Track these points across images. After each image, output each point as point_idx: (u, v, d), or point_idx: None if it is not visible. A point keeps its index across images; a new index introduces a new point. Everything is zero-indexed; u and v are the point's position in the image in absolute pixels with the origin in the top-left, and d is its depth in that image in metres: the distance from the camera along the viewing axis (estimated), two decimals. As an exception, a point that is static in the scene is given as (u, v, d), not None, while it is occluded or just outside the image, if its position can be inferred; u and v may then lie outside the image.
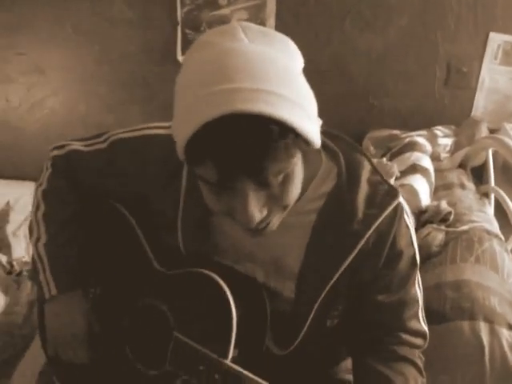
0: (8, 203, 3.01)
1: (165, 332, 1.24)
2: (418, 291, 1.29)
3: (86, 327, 1.41)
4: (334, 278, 1.18)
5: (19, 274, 2.47)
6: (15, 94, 3.41)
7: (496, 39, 2.88)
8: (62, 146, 1.39)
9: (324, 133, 1.16)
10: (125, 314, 1.38)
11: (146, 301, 1.32)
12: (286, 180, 0.98)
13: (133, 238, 1.37)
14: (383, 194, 1.19)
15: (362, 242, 1.16)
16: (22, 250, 2.72)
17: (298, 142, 0.93)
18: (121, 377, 1.36)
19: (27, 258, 2.62)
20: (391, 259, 1.21)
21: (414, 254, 1.26)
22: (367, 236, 1.16)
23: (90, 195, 1.41)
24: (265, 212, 0.99)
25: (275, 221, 1.05)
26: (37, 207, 1.40)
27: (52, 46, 3.24)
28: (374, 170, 1.22)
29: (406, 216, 1.23)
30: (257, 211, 0.96)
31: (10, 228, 2.86)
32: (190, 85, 0.93)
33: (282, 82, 0.91)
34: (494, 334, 1.57)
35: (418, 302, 1.29)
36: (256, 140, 0.87)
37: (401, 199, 1.21)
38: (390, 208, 1.18)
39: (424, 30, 2.92)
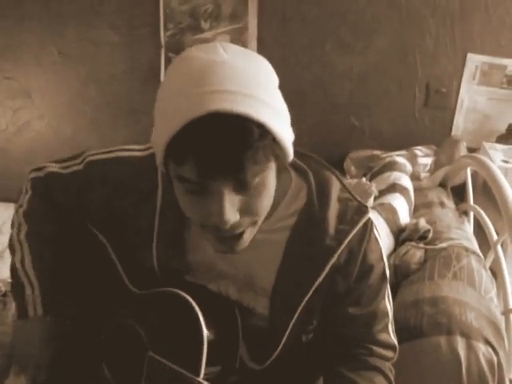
0: (-5, 225, 3.02)
1: (139, 351, 1.25)
2: (388, 305, 1.32)
3: (51, 353, 1.40)
4: (309, 294, 1.21)
5: (5, 294, 2.47)
6: (2, 117, 3.44)
7: (474, 60, 2.94)
8: (40, 169, 1.41)
9: (293, 152, 1.21)
10: (100, 334, 1.39)
11: (121, 321, 1.33)
12: (261, 185, 1.01)
13: (107, 259, 1.38)
14: (353, 211, 1.22)
15: (334, 258, 1.19)
16: (8, 271, 2.72)
17: (274, 148, 0.98)
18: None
19: (13, 279, 2.62)
20: (362, 274, 1.24)
21: (384, 268, 1.29)
22: (339, 252, 1.19)
23: (68, 216, 1.42)
24: (238, 216, 1.01)
25: (247, 235, 1.08)
26: (18, 228, 1.42)
27: (38, 70, 3.28)
28: (344, 188, 1.25)
29: (375, 231, 1.26)
30: (231, 213, 0.98)
31: (-5, 249, 2.87)
32: (173, 90, 0.97)
33: (262, 89, 0.97)
34: (470, 348, 1.58)
35: (387, 315, 1.32)
36: (237, 139, 0.91)
37: (370, 215, 1.24)
38: (360, 224, 1.21)
39: (403, 51, 2.99)
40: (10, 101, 3.38)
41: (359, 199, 1.26)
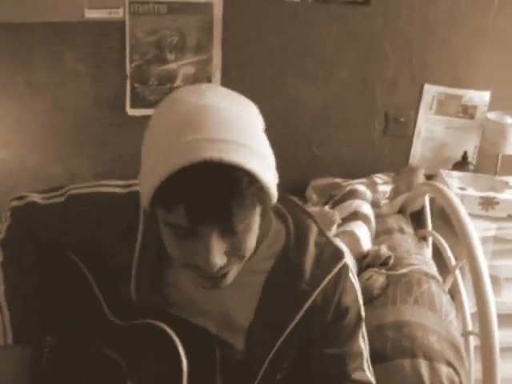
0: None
1: (119, 381, 1.25)
2: (362, 344, 1.33)
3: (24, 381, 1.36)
4: (284, 335, 1.22)
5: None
6: (-36, 147, 3.42)
7: (430, 90, 3.05)
8: (22, 198, 1.41)
9: None
10: (80, 364, 1.36)
11: (101, 351, 1.32)
12: (247, 229, 1.03)
13: (87, 288, 1.38)
14: (329, 256, 1.25)
15: (310, 302, 1.21)
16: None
17: (261, 194, 1.01)
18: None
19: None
20: (338, 315, 1.26)
21: (359, 309, 1.31)
22: (314, 295, 1.22)
23: (47, 246, 1.41)
24: (225, 259, 1.03)
25: (231, 273, 1.10)
26: None
27: (3, 99, 3.26)
28: (321, 232, 1.28)
29: (350, 275, 1.29)
30: (218, 257, 1.00)
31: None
32: (162, 135, 0.99)
33: (249, 136, 0.99)
34: (433, 370, 1.64)
35: (362, 354, 1.33)
36: (226, 187, 0.94)
37: (346, 260, 1.27)
38: (336, 269, 1.24)
39: (363, 81, 3.08)
40: (-28, 129, 3.36)
41: (336, 243, 1.29)
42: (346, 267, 1.27)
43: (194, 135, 0.94)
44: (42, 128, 3.27)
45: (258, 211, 1.05)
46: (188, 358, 1.19)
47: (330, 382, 1.31)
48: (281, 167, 2.91)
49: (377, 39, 3.01)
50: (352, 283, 1.29)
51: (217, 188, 0.93)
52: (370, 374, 1.35)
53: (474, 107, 3.06)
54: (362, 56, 3.04)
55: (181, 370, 1.18)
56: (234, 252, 1.05)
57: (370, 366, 1.37)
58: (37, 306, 1.40)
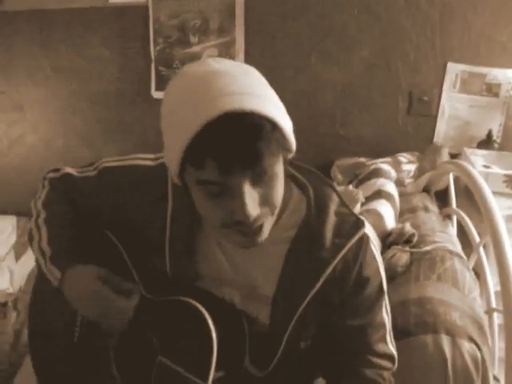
0: (-10, 236, 3.06)
1: (150, 356, 1.30)
2: (386, 316, 1.35)
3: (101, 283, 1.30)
4: (305, 303, 1.26)
5: (4, 304, 2.52)
6: (-4, 131, 3.48)
7: (454, 69, 3.02)
8: (57, 170, 1.47)
9: (295, 166, 1.28)
10: (113, 338, 1.40)
11: (133, 325, 1.35)
12: (274, 176, 1.08)
13: (121, 264, 1.41)
14: (350, 225, 1.27)
15: (330, 269, 1.24)
16: (6, 282, 2.76)
17: (282, 139, 1.07)
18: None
19: (11, 290, 2.67)
20: (357, 285, 1.28)
21: (381, 281, 1.32)
22: (334, 263, 1.24)
23: (83, 215, 1.45)
24: (258, 209, 1.08)
25: (266, 227, 1.14)
26: (37, 215, 1.44)
27: (31, 84, 3.32)
28: (342, 203, 1.31)
29: (372, 246, 1.31)
30: (252, 207, 1.05)
31: (-7, 260, 2.92)
32: (177, 103, 1.04)
33: (260, 89, 1.05)
34: (455, 346, 1.64)
35: (384, 326, 1.35)
36: (252, 134, 0.99)
37: (366, 230, 1.29)
38: (356, 238, 1.26)
39: (385, 61, 3.06)
40: (3, 115, 3.43)
41: (357, 214, 1.31)
42: (366, 237, 1.29)
43: (210, 94, 0.99)
44: (68, 112, 3.34)
45: (281, 159, 1.10)
46: (218, 333, 1.22)
47: (352, 352, 1.34)
48: (305, 147, 2.94)
49: (398, 18, 2.99)
50: (373, 254, 1.31)
51: (242, 136, 0.99)
52: (392, 347, 1.38)
53: (498, 85, 3.02)
54: (384, 36, 3.03)
55: (211, 344, 1.21)
56: (265, 201, 1.09)
57: (393, 339, 1.39)
58: (78, 246, 1.41)
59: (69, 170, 1.46)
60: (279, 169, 1.10)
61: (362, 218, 1.31)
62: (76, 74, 3.27)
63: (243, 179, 1.03)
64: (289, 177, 1.28)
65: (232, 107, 0.97)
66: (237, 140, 0.99)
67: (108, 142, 3.31)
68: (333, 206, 1.28)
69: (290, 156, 1.17)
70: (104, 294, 1.28)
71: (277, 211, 1.15)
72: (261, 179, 1.06)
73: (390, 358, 1.38)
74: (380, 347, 1.34)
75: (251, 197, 1.05)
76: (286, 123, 1.07)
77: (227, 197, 1.06)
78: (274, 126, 1.02)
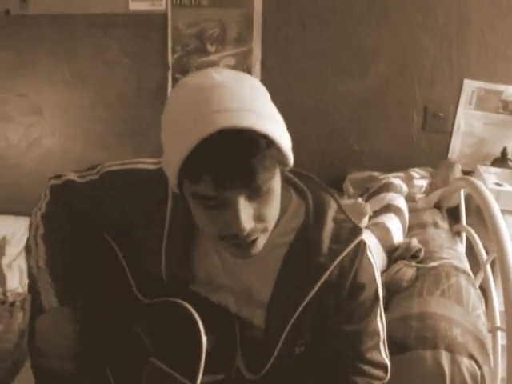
0: (4, 237, 3.10)
1: (142, 356, 1.31)
2: (380, 324, 1.35)
3: (76, 340, 1.45)
4: (301, 308, 1.26)
5: (12, 304, 2.55)
6: (14, 133, 3.56)
7: (470, 85, 3.02)
8: (59, 176, 1.50)
9: (294, 172, 1.30)
10: (106, 337, 1.45)
11: (126, 327, 1.40)
12: (270, 192, 1.09)
13: (118, 266, 1.46)
14: (347, 232, 1.28)
15: (326, 275, 1.25)
16: (16, 281, 2.79)
17: (278, 155, 1.07)
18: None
19: (20, 290, 2.70)
20: (353, 291, 1.29)
21: (377, 288, 1.33)
22: (331, 269, 1.25)
23: (82, 222, 1.49)
24: (252, 223, 1.09)
25: (260, 240, 1.15)
26: (36, 229, 1.49)
27: (50, 88, 3.37)
28: (340, 209, 1.32)
29: (368, 252, 1.31)
30: (247, 220, 1.06)
31: (5, 261, 2.96)
32: (177, 114, 1.05)
33: (259, 104, 1.06)
34: (454, 362, 1.62)
35: (378, 334, 1.35)
36: (246, 150, 1.00)
37: (364, 237, 1.30)
38: (353, 244, 1.27)
39: (402, 75, 3.08)
40: (22, 117, 3.48)
41: (354, 221, 1.32)
42: (363, 244, 1.30)
43: (206, 109, 1.01)
44: (86, 117, 3.38)
45: (278, 174, 1.11)
46: (209, 337, 1.23)
47: (343, 359, 1.34)
48: (319, 160, 2.96)
49: (416, 33, 3.00)
50: (369, 261, 1.31)
51: (237, 152, 1.00)
52: (385, 357, 1.37)
53: (514, 103, 3.03)
54: (400, 50, 3.04)
55: (200, 348, 1.22)
56: (260, 216, 1.11)
57: (387, 348, 1.39)
58: (73, 275, 1.50)
59: (71, 175, 1.49)
60: (275, 184, 1.11)
61: (359, 224, 1.32)
62: (94, 79, 3.32)
63: (238, 194, 1.05)
64: (288, 183, 1.29)
65: (227, 124, 0.98)
66: (231, 156, 1.00)
67: (125, 146, 3.34)
68: (331, 213, 1.29)
69: (287, 169, 1.18)
70: (70, 350, 1.43)
71: (272, 226, 1.17)
72: (256, 194, 1.07)
73: (383, 367, 1.37)
74: (373, 355, 1.34)
75: (246, 211, 1.06)
76: (283, 139, 1.07)
77: (222, 210, 1.07)
78: (270, 142, 1.03)
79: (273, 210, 1.13)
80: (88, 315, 1.51)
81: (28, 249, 1.52)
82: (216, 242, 1.17)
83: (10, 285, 2.75)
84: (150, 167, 1.38)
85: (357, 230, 1.29)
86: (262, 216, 1.11)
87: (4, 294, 2.65)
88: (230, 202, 1.06)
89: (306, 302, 1.26)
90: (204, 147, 0.99)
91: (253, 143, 1.00)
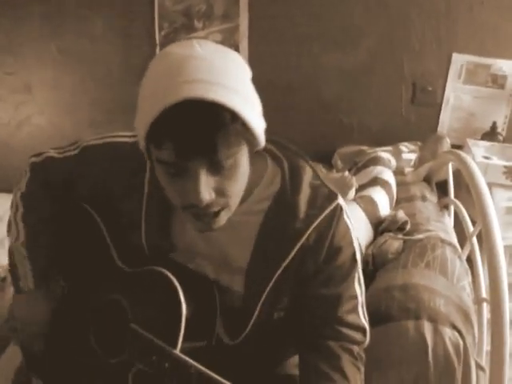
0: (-5, 214, 3.11)
1: (123, 323, 1.33)
2: (358, 288, 1.36)
3: (48, 318, 1.53)
4: (278, 272, 1.28)
5: (3, 279, 2.56)
6: (4, 112, 3.54)
7: (459, 59, 3.03)
8: (39, 154, 1.52)
9: (271, 141, 1.29)
10: (89, 306, 1.47)
11: (108, 295, 1.42)
12: (233, 168, 1.10)
13: (99, 238, 1.48)
14: (323, 197, 1.30)
15: (303, 239, 1.26)
16: (7, 257, 2.80)
17: (245, 132, 1.07)
18: (85, 364, 1.45)
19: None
20: (331, 255, 1.30)
21: (354, 251, 1.34)
22: (308, 233, 1.26)
23: (63, 197, 1.51)
24: (213, 195, 1.10)
25: (223, 215, 1.17)
26: (16, 209, 1.52)
27: (38, 66, 3.36)
28: (316, 176, 1.33)
29: (345, 217, 1.32)
30: (206, 191, 1.07)
31: (-4, 237, 2.97)
32: (152, 81, 1.07)
33: (233, 80, 1.06)
34: (437, 332, 1.63)
35: (356, 297, 1.35)
36: (210, 123, 1.01)
37: (340, 201, 1.31)
38: (329, 209, 1.28)
39: (390, 50, 3.07)
40: (11, 96, 3.47)
41: (330, 186, 1.33)
42: (339, 208, 1.31)
43: (177, 79, 1.01)
44: (74, 94, 3.38)
45: (244, 151, 1.12)
46: (189, 303, 1.25)
47: (322, 323, 1.35)
48: (308, 134, 2.95)
49: (404, 8, 2.99)
50: (346, 225, 1.33)
51: (200, 123, 1.00)
52: (363, 319, 1.38)
53: (504, 77, 3.02)
54: (389, 25, 3.04)
55: (180, 313, 1.24)
56: (222, 191, 1.12)
57: (366, 312, 1.40)
58: (54, 254, 1.54)
59: (51, 152, 1.50)
60: (240, 161, 1.11)
61: (334, 189, 1.33)
62: (82, 57, 3.30)
63: (199, 165, 1.06)
64: (264, 150, 1.29)
65: (194, 94, 0.99)
66: (194, 127, 1.01)
67: (113, 122, 3.31)
68: (307, 179, 1.30)
69: (258, 149, 1.19)
70: (41, 328, 1.54)
71: (236, 203, 1.18)
72: (218, 169, 1.08)
73: (361, 329, 1.38)
74: (350, 318, 1.35)
75: (206, 183, 1.07)
76: (253, 119, 1.08)
77: (183, 179, 1.08)
78: (236, 118, 1.03)
79: (236, 186, 1.14)
80: (69, 289, 1.55)
81: (9, 228, 1.55)
82: (181, 214, 1.19)
83: (2, 260, 2.75)
84: (128, 140, 1.39)
85: (332, 195, 1.31)
86: (224, 191, 1.12)
87: (-4, 269, 2.66)
88: (190, 172, 1.07)
89: (283, 266, 1.28)
90: (168, 114, 0.99)
91: (217, 116, 1.01)
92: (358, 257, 1.36)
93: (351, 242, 1.34)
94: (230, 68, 1.08)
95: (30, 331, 1.53)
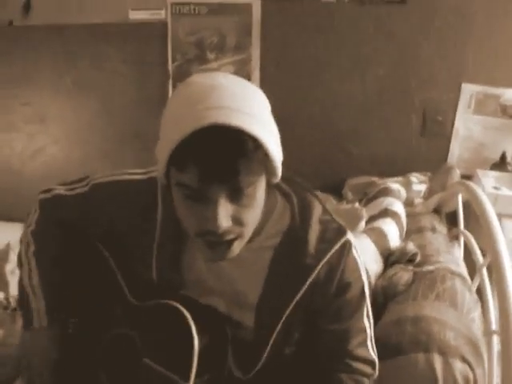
0: (8, 244, 3.12)
1: (135, 358, 1.34)
2: (367, 321, 1.38)
3: (57, 356, 1.49)
4: (290, 308, 1.30)
5: (15, 309, 2.57)
6: (18, 142, 3.60)
7: (469, 89, 3.04)
8: (48, 191, 1.52)
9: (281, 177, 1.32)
10: (99, 343, 1.47)
11: (119, 329, 1.43)
12: (252, 196, 1.12)
13: (110, 274, 1.48)
14: (333, 232, 1.31)
15: (314, 275, 1.28)
16: (18, 287, 2.82)
17: (266, 162, 1.10)
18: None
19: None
20: (340, 289, 1.32)
21: (363, 286, 1.36)
22: (318, 269, 1.28)
23: (73, 234, 1.51)
24: (230, 222, 1.11)
25: (236, 244, 1.17)
26: (27, 246, 1.51)
27: (53, 97, 3.41)
28: (325, 210, 1.35)
29: (354, 251, 1.34)
30: (224, 218, 1.08)
31: (8, 267, 2.97)
32: (176, 108, 1.09)
33: (257, 109, 1.09)
34: (447, 365, 1.62)
35: (365, 331, 1.38)
36: (234, 149, 1.03)
37: (349, 236, 1.33)
38: (339, 244, 1.30)
39: (400, 80, 3.10)
40: (25, 126, 3.51)
41: (339, 221, 1.35)
42: (348, 243, 1.32)
43: (203, 105, 1.04)
44: (88, 125, 3.42)
45: (263, 181, 1.14)
46: (201, 338, 1.27)
47: (331, 356, 1.37)
48: (318, 165, 2.97)
49: (413, 38, 3.02)
50: (355, 259, 1.34)
51: (224, 149, 1.03)
52: (372, 353, 1.40)
53: (513, 107, 3.03)
54: (399, 54, 3.07)
55: (192, 348, 1.25)
56: (239, 219, 1.13)
57: (374, 345, 1.42)
58: (67, 291, 1.52)
59: (59, 189, 1.51)
60: (258, 191, 1.13)
61: (343, 224, 1.35)
62: (95, 88, 3.35)
63: (220, 191, 1.07)
64: (273, 186, 1.31)
65: (220, 120, 1.01)
66: (218, 152, 1.02)
67: (125, 154, 3.37)
68: (316, 214, 1.32)
69: (275, 181, 1.21)
70: (49, 367, 1.49)
71: (249, 234, 1.20)
72: (237, 196, 1.10)
73: (371, 363, 1.40)
74: (360, 352, 1.37)
75: (224, 209, 1.09)
76: (274, 148, 1.10)
77: (202, 204, 1.09)
78: (259, 146, 1.05)
79: (252, 215, 1.16)
80: (80, 327, 1.54)
81: (20, 264, 1.54)
82: (194, 242, 1.20)
83: (13, 290, 2.76)
84: (139, 177, 1.41)
85: (342, 230, 1.33)
86: (241, 219, 1.13)
87: (7, 299, 2.67)
88: (211, 197, 1.08)
89: (294, 302, 1.30)
90: (194, 139, 1.01)
91: (241, 143, 1.03)
92: (367, 291, 1.38)
93: (360, 277, 1.36)
94: (253, 98, 1.11)
95: (39, 369, 1.49)
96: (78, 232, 1.51)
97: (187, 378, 1.25)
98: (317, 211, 1.33)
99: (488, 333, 1.98)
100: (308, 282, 1.29)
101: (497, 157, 3.06)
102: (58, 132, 3.52)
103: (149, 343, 1.35)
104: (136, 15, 3.15)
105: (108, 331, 1.47)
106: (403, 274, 2.09)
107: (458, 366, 1.64)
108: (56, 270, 1.52)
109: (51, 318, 1.48)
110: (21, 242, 1.55)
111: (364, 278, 1.37)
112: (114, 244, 1.46)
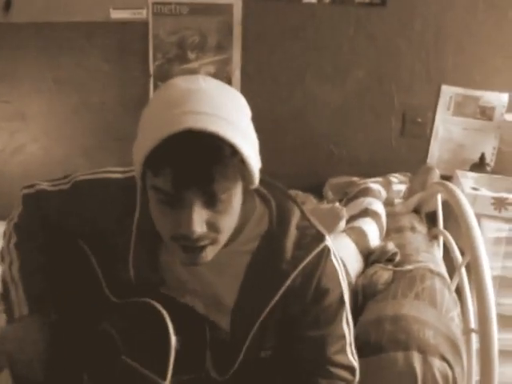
0: (-11, 241, 3.11)
1: (114, 355, 1.33)
2: (346, 328, 1.37)
3: (46, 348, 1.46)
4: (264, 313, 1.29)
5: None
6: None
7: (448, 91, 3.07)
8: (32, 186, 1.52)
9: (259, 180, 1.32)
10: (80, 338, 1.46)
11: (99, 327, 1.41)
12: (227, 203, 1.11)
13: (90, 270, 1.48)
14: (310, 238, 1.31)
15: (289, 281, 1.27)
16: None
17: (242, 168, 1.10)
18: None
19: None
20: (317, 296, 1.30)
21: (342, 293, 1.34)
22: (294, 275, 1.27)
23: (54, 229, 1.51)
24: (204, 228, 1.11)
25: (210, 250, 1.17)
26: (9, 238, 1.51)
27: (33, 95, 3.37)
28: (303, 216, 1.34)
29: (333, 258, 1.33)
30: (198, 223, 1.08)
31: (-11, 264, 2.96)
32: (154, 110, 1.09)
33: (235, 115, 1.09)
34: (426, 363, 1.64)
35: (344, 337, 1.36)
36: (210, 154, 1.02)
37: (327, 243, 1.32)
38: (317, 250, 1.29)
39: (380, 82, 3.12)
40: (6, 123, 3.48)
41: (318, 227, 1.34)
42: (327, 249, 1.31)
43: (182, 109, 1.04)
44: (68, 123, 3.40)
45: (239, 188, 1.13)
46: (179, 336, 1.27)
47: (310, 362, 1.36)
48: (299, 165, 2.97)
49: (393, 40, 3.05)
50: (334, 266, 1.33)
51: (199, 155, 1.02)
52: (352, 359, 1.39)
53: (492, 109, 3.06)
54: (378, 56, 3.08)
55: (169, 346, 1.26)
56: (213, 225, 1.13)
57: (354, 351, 1.41)
58: (48, 281, 1.50)
59: (43, 185, 1.51)
60: (234, 197, 1.13)
61: (322, 230, 1.34)
62: (76, 86, 3.32)
63: (194, 196, 1.07)
64: (253, 190, 1.31)
65: (196, 125, 1.01)
66: (193, 157, 1.02)
67: (106, 153, 3.34)
68: (294, 220, 1.31)
69: (251, 188, 1.21)
70: (39, 358, 1.44)
71: (224, 239, 1.19)
72: (212, 202, 1.09)
73: (350, 369, 1.39)
74: (339, 358, 1.36)
75: (199, 215, 1.08)
76: (250, 155, 1.10)
77: (177, 209, 1.09)
78: (235, 152, 1.05)
79: (228, 222, 1.16)
80: (62, 321, 1.52)
81: (2, 257, 1.53)
82: (169, 246, 1.20)
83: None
84: (120, 176, 1.41)
85: (320, 237, 1.32)
86: (215, 226, 1.13)
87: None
88: (185, 202, 1.08)
89: (269, 308, 1.29)
90: (170, 143, 1.01)
91: (217, 149, 1.03)
92: (346, 298, 1.36)
93: (339, 284, 1.35)
94: (233, 104, 1.11)
95: (25, 359, 1.45)
96: (60, 228, 1.51)
97: (165, 377, 1.25)
98: (295, 217, 1.32)
99: (467, 331, 2.00)
100: (283, 288, 1.28)
101: (476, 158, 3.08)
102: (38, 130, 3.47)
103: (128, 341, 1.35)
104: (117, 14, 3.13)
105: (90, 327, 1.46)
106: (383, 273, 2.10)
107: (437, 365, 1.66)
108: (37, 259, 1.50)
109: (32, 306, 1.45)
110: (3, 235, 1.54)
111: (343, 284, 1.36)
112: (94, 241, 1.46)
